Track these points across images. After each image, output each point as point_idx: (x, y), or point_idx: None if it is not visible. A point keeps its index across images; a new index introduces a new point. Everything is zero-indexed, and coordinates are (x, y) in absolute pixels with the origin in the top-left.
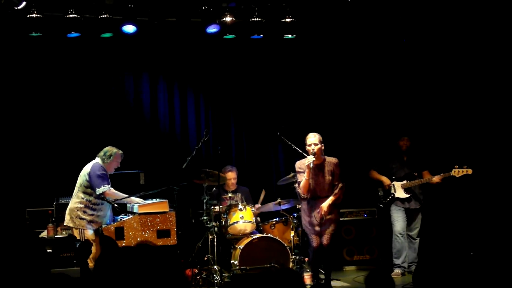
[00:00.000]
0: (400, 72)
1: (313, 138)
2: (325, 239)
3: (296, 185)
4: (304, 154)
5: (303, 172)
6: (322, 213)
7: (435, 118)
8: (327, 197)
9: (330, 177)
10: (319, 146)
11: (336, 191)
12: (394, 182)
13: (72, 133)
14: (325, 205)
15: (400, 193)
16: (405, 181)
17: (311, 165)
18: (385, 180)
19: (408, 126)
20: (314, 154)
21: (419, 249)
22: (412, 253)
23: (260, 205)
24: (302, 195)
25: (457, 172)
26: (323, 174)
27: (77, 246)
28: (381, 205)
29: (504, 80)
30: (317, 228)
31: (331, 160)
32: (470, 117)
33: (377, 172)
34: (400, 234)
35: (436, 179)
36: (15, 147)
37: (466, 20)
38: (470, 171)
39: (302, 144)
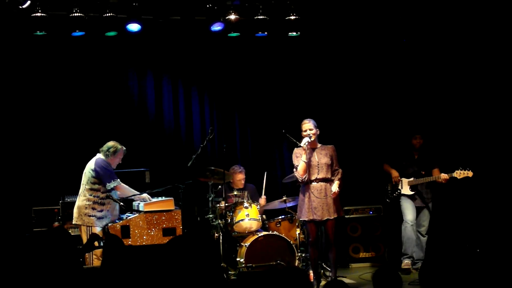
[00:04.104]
0: (409, 70)
1: (308, 124)
2: (330, 232)
3: (294, 169)
4: None
5: (301, 157)
6: (336, 192)
7: (446, 116)
8: (327, 179)
9: (329, 159)
10: (314, 131)
11: (339, 176)
12: (402, 178)
13: (77, 132)
14: (336, 186)
15: (406, 190)
16: (412, 178)
17: (306, 146)
18: (394, 172)
19: (420, 124)
20: (310, 136)
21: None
22: (419, 250)
23: (265, 196)
24: (300, 178)
25: (458, 174)
26: (320, 156)
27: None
28: (388, 200)
29: (505, 79)
30: (318, 213)
31: (326, 146)
32: (481, 116)
33: (389, 166)
34: (411, 222)
35: (443, 176)
36: (21, 146)
37: (468, 19)
38: (470, 174)
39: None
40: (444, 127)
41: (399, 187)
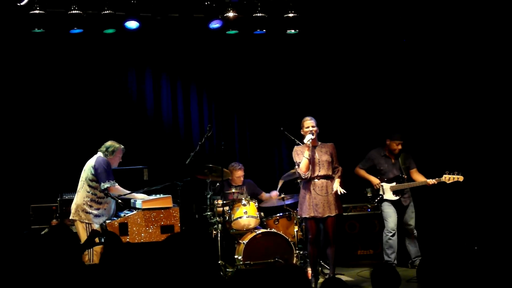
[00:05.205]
0: (397, 72)
1: (310, 121)
2: (329, 230)
3: (296, 167)
4: None
5: (302, 154)
6: (340, 190)
7: (424, 119)
8: (328, 176)
9: (329, 157)
10: (315, 128)
11: (339, 173)
12: (383, 184)
13: (76, 129)
14: (337, 184)
15: (389, 195)
16: (394, 183)
17: (309, 142)
18: (374, 180)
19: (403, 129)
20: (313, 133)
21: (422, 244)
22: (414, 248)
23: (278, 192)
24: (303, 175)
25: (447, 179)
26: (321, 153)
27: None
28: (369, 205)
29: (501, 81)
30: (319, 210)
31: (326, 143)
32: (459, 118)
33: (364, 171)
34: (393, 230)
35: (431, 181)
36: (19, 143)
37: (465, 21)
38: (461, 178)
39: (303, 137)
40: (422, 129)
41: (381, 193)
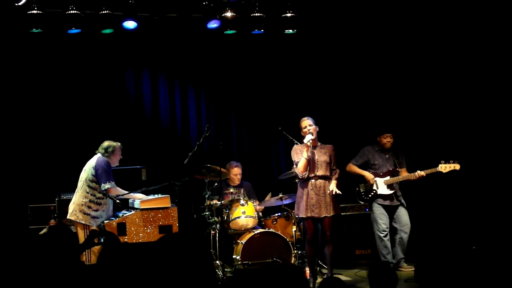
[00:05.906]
0: (396, 72)
1: (307, 121)
2: (327, 229)
3: (294, 166)
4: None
5: (301, 154)
6: (336, 190)
7: (416, 115)
8: (326, 176)
9: (328, 158)
10: (313, 127)
11: (336, 175)
12: (376, 178)
13: (74, 129)
14: (334, 185)
15: (383, 190)
16: (388, 177)
17: (309, 143)
18: (368, 175)
19: (391, 122)
20: (312, 133)
21: (420, 243)
22: (401, 249)
23: (259, 203)
24: (301, 175)
25: (444, 168)
26: (320, 154)
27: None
28: (362, 202)
29: (499, 81)
30: (316, 210)
31: (326, 145)
32: (456, 116)
33: (357, 167)
34: (385, 231)
35: (421, 173)
36: (17, 144)
37: (462, 21)
38: (457, 167)
39: (303, 138)
40: (414, 124)
41: (374, 188)
